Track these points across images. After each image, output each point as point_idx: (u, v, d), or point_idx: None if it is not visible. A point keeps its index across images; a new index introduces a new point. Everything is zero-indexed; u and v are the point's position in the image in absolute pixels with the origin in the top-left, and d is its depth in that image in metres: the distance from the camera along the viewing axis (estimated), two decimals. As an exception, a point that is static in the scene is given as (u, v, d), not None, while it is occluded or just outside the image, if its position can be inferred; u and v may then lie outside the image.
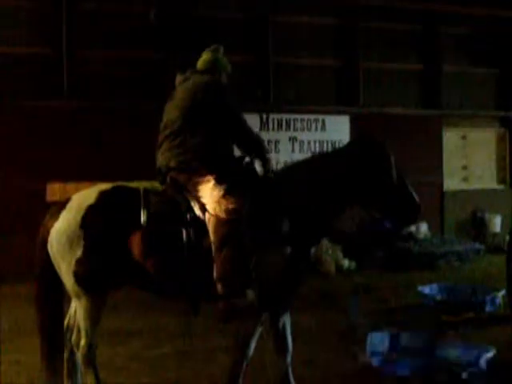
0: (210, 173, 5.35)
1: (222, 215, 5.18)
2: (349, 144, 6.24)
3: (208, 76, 5.60)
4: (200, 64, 5.78)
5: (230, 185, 5.30)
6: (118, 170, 11.80)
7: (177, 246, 5.23)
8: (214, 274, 5.17)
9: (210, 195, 5.26)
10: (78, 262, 5.20)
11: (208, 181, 5.32)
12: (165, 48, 13.29)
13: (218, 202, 5.22)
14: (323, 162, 5.73)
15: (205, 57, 5.80)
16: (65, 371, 5.57)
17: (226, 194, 5.23)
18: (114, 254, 5.22)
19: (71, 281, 5.26)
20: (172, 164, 5.45)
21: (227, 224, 5.15)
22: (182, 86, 5.63)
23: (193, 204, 5.32)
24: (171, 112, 5.56)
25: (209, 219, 5.23)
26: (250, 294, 5.22)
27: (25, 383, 6.45)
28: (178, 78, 5.75)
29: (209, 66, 5.72)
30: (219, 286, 5.18)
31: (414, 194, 5.60)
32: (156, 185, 5.54)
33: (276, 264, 5.30)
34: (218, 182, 5.30)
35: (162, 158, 5.54)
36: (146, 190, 5.37)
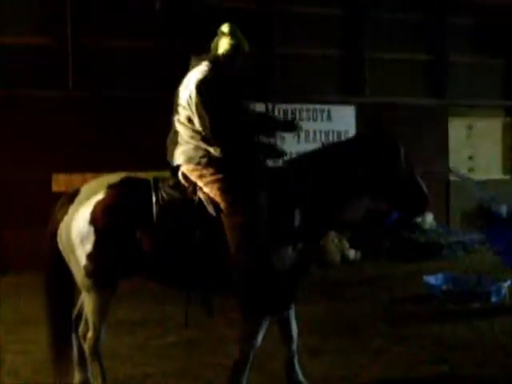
0: (221, 171, 5.31)
1: (236, 218, 5.16)
2: (358, 135, 6.22)
3: (204, 71, 5.36)
4: (214, 47, 5.55)
5: (242, 184, 5.29)
6: (123, 159, 11.80)
7: (188, 242, 5.23)
8: (237, 275, 5.19)
9: (221, 195, 5.23)
10: (88, 256, 5.20)
11: (219, 180, 5.28)
12: (169, 36, 13.26)
13: (231, 204, 5.20)
14: (332, 153, 5.72)
15: (218, 38, 5.57)
16: (75, 359, 5.60)
17: (238, 196, 5.23)
18: (124, 248, 5.22)
19: (81, 274, 5.27)
20: (181, 160, 5.42)
21: (243, 226, 5.14)
22: (188, 75, 5.51)
23: (205, 202, 5.29)
24: (179, 101, 5.51)
25: (224, 221, 5.20)
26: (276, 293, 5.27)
27: (31, 373, 6.46)
28: (192, 62, 5.57)
29: (224, 50, 5.50)
30: (245, 286, 5.20)
31: (423, 185, 5.60)
32: (165, 175, 5.52)
33: (288, 259, 5.31)
34: (230, 181, 5.28)
35: (170, 150, 5.51)
36: (156, 183, 5.35)
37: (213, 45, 5.59)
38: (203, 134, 5.30)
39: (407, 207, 5.77)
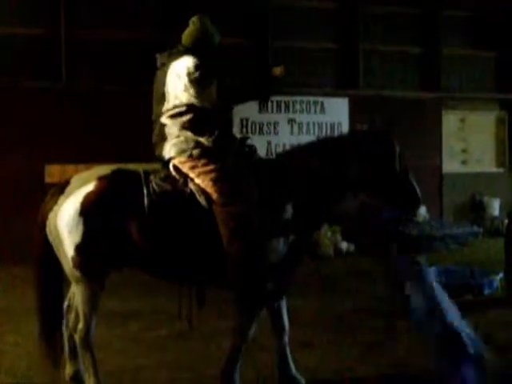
0: (213, 162, 5.31)
1: (229, 208, 5.16)
2: (354, 130, 6.21)
3: (191, 57, 5.39)
4: (185, 38, 5.58)
5: (235, 175, 5.30)
6: (117, 151, 11.80)
7: (180, 233, 5.22)
8: (230, 266, 5.19)
9: (213, 186, 5.23)
10: (77, 247, 5.17)
11: (211, 171, 5.28)
12: (163, 28, 13.22)
13: (223, 194, 5.20)
14: (328, 147, 5.72)
15: (190, 30, 5.60)
16: (66, 351, 5.60)
17: (230, 187, 5.23)
18: (114, 240, 5.20)
19: (70, 266, 5.24)
20: (173, 153, 5.40)
21: (236, 217, 5.14)
22: (163, 71, 5.50)
23: (197, 193, 5.28)
24: (160, 99, 5.48)
25: (217, 211, 5.20)
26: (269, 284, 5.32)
27: (24, 365, 6.44)
28: (159, 61, 5.60)
29: (195, 41, 5.53)
30: (238, 277, 5.22)
31: (416, 186, 5.61)
32: (156, 167, 5.50)
33: (280, 250, 5.31)
34: (222, 172, 5.28)
35: (160, 145, 5.50)
36: (146, 175, 5.33)
37: (183, 36, 5.63)
38: (211, 103, 5.30)
39: (397, 206, 5.76)
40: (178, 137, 5.38)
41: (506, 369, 6.12)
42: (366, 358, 6.69)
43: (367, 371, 6.31)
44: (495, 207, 16.00)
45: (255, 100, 5.78)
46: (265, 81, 5.60)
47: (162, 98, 5.45)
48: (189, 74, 5.28)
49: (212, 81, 5.26)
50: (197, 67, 5.29)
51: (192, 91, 5.29)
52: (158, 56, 5.63)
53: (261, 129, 14.12)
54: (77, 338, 5.39)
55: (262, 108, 14.08)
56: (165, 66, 5.49)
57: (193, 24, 5.60)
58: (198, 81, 5.27)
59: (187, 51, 5.48)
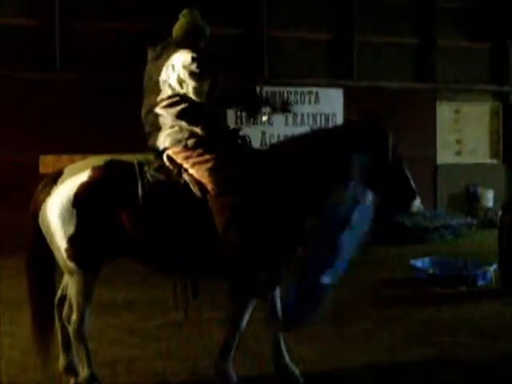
0: (208, 152, 5.31)
1: (224, 198, 5.16)
2: (348, 122, 6.20)
3: (190, 51, 5.39)
4: (176, 31, 5.58)
5: (230, 165, 5.29)
6: (111, 142, 11.77)
7: (174, 224, 5.22)
8: (224, 256, 5.20)
9: (209, 176, 5.22)
10: (71, 239, 5.15)
11: (207, 161, 5.28)
12: (158, 18, 13.19)
13: (219, 184, 5.19)
14: (322, 138, 5.71)
15: (180, 23, 5.59)
16: (59, 342, 5.60)
17: (226, 177, 5.22)
18: (107, 231, 5.18)
19: (63, 257, 5.22)
20: (167, 143, 5.39)
21: (231, 207, 5.14)
22: (156, 64, 5.49)
23: (191, 184, 5.27)
24: (152, 90, 5.47)
25: (211, 201, 5.19)
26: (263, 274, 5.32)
27: (18, 355, 6.43)
28: (150, 54, 5.60)
29: (186, 34, 5.53)
30: (232, 267, 5.22)
31: (410, 178, 5.59)
32: (150, 157, 5.49)
33: (275, 240, 5.31)
34: (217, 162, 5.27)
35: (154, 135, 5.49)
36: (140, 166, 5.31)
37: (174, 29, 5.63)
38: (200, 99, 5.31)
39: (393, 200, 5.74)
40: (172, 127, 5.37)
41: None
42: (359, 347, 6.70)
43: (361, 361, 6.32)
44: (489, 198, 16.02)
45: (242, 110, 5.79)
46: (255, 100, 5.66)
47: (156, 88, 5.44)
48: (184, 67, 5.28)
49: (206, 77, 5.27)
50: (193, 60, 5.29)
51: (185, 84, 5.29)
52: (149, 49, 5.62)
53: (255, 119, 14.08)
54: (70, 329, 5.39)
55: (257, 99, 14.05)
56: (159, 58, 5.49)
57: (183, 17, 5.61)
58: (192, 74, 5.27)
59: (180, 44, 5.48)
